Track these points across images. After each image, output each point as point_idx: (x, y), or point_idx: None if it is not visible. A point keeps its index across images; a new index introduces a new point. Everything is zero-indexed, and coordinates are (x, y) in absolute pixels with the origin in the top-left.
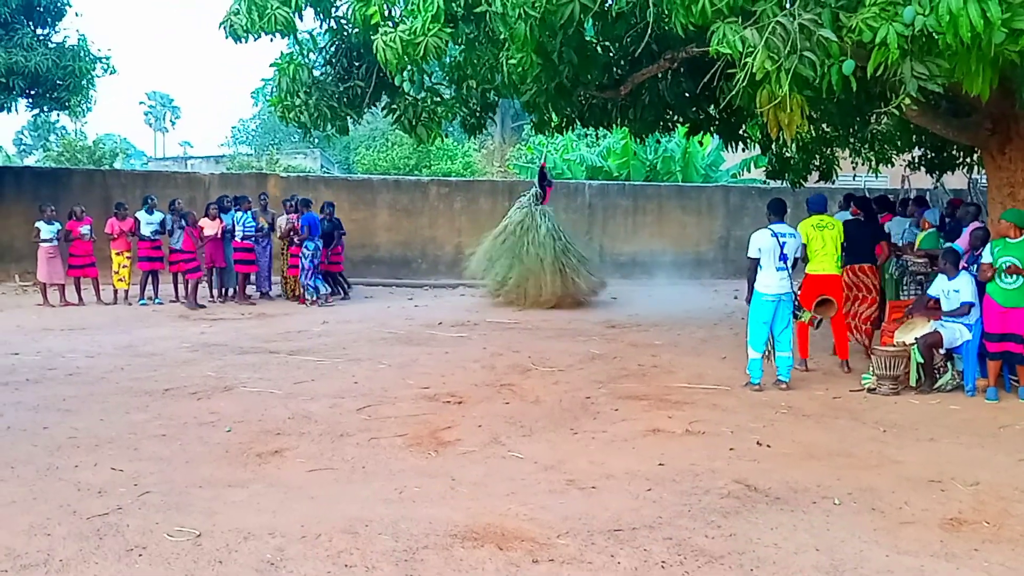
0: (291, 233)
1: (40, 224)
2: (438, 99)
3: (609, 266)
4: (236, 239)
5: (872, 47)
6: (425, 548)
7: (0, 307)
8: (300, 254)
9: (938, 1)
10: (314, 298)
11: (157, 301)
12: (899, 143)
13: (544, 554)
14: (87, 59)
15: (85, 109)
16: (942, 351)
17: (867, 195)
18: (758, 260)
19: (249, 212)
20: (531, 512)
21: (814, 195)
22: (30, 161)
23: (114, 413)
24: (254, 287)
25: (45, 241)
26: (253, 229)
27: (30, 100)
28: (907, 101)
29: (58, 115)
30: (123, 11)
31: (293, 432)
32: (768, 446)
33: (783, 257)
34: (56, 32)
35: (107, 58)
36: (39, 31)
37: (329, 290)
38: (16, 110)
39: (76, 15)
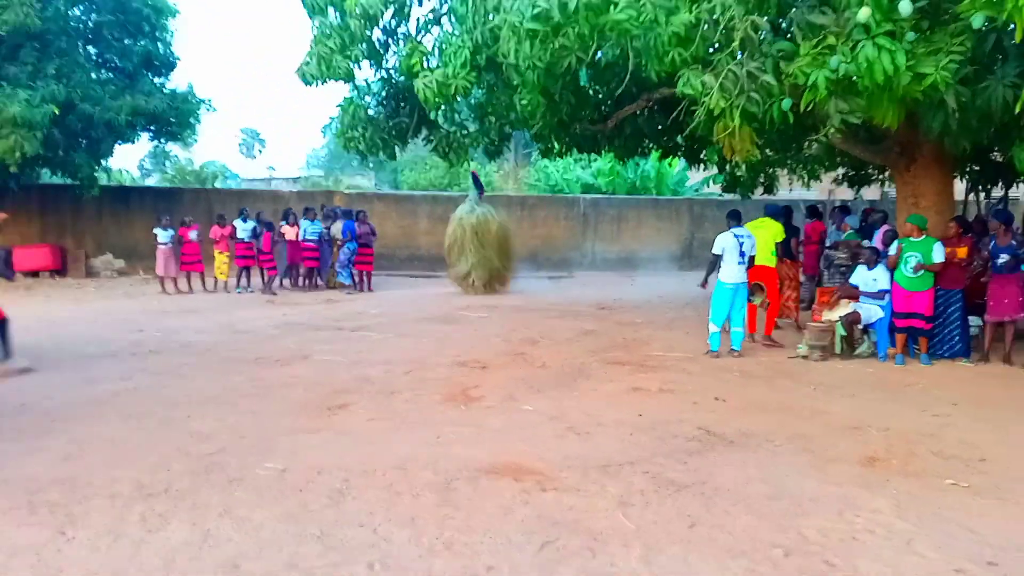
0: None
1: (157, 230)
2: (465, 131)
3: (600, 262)
4: (302, 240)
5: (805, 88)
6: (457, 480)
7: (129, 295)
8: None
9: (858, 52)
10: (346, 284)
11: (249, 290)
12: (826, 163)
13: (550, 484)
14: (194, 101)
15: (192, 141)
16: (860, 326)
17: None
18: (721, 256)
19: (316, 220)
20: (540, 452)
21: (770, 204)
22: (150, 182)
23: (217, 377)
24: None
25: (161, 244)
26: (316, 233)
27: (150, 134)
28: (832, 131)
29: (171, 145)
30: (222, 63)
31: (355, 391)
32: (724, 401)
33: (742, 254)
34: (169, 80)
35: (209, 100)
36: (156, 80)
37: (350, 283)
38: (137, 141)
39: (186, 67)
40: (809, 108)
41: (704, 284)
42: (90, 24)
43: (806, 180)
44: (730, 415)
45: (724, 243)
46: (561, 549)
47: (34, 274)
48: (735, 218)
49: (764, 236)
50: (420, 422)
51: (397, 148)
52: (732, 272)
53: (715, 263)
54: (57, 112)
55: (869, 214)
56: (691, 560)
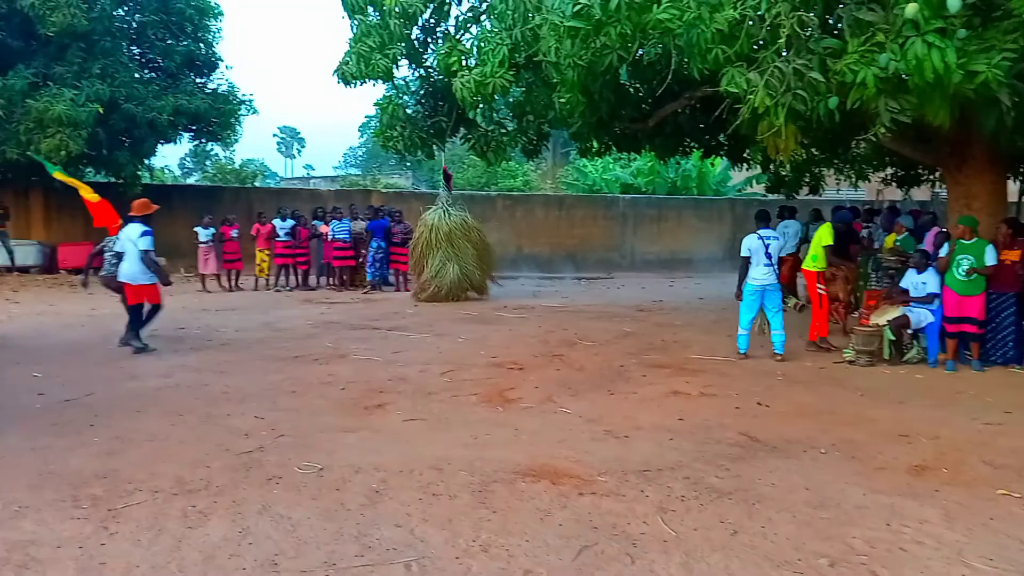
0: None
1: (198, 229)
2: (504, 131)
3: (639, 263)
4: (331, 240)
5: (853, 86)
6: (495, 482)
7: (170, 292)
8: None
9: (907, 49)
10: (371, 281)
11: (288, 289)
12: (875, 163)
13: (588, 488)
14: (235, 102)
15: (233, 140)
16: (910, 331)
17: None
18: (749, 258)
19: (345, 220)
20: (577, 455)
21: (837, 207)
22: (191, 180)
23: (256, 374)
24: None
25: (202, 242)
26: (347, 233)
27: (192, 134)
28: (882, 130)
29: (212, 145)
30: (262, 62)
31: (392, 390)
32: (767, 406)
33: (768, 255)
34: (211, 81)
35: (250, 100)
36: (198, 80)
37: (372, 281)
38: (180, 141)
39: (227, 67)
40: (857, 106)
41: (739, 294)
42: (134, 25)
43: (854, 180)
44: (773, 421)
45: (749, 245)
46: (599, 554)
47: (78, 271)
48: (762, 219)
49: (814, 239)
50: (457, 423)
51: (435, 147)
52: (757, 274)
53: (746, 267)
54: (101, 111)
55: (918, 216)
56: (733, 568)
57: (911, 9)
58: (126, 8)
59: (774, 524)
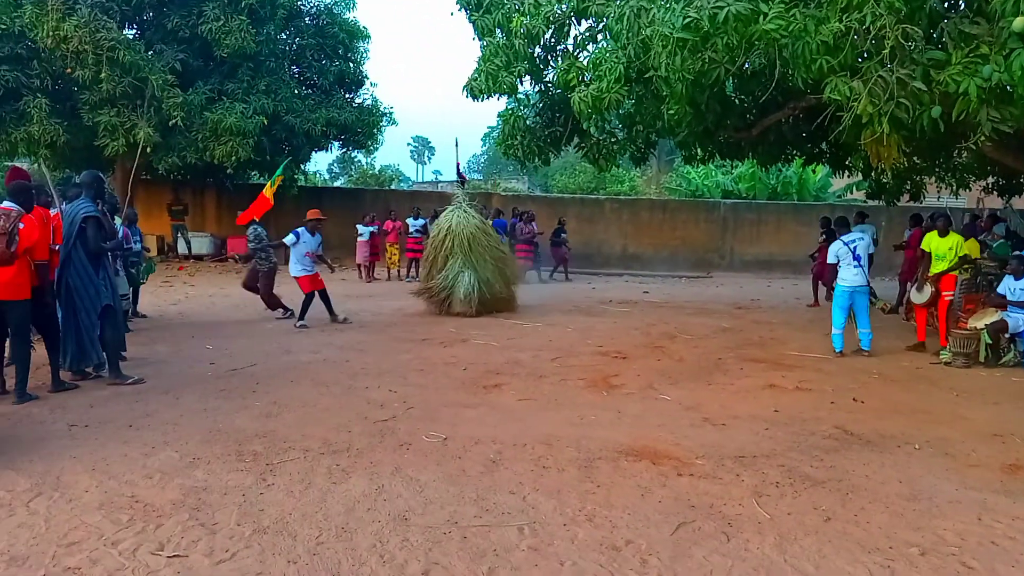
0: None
1: (359, 226)
2: (614, 140)
3: (737, 264)
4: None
5: (956, 97)
6: (599, 459)
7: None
8: None
9: (1012, 61)
10: None
11: (417, 279)
12: (976, 172)
13: (686, 470)
14: (377, 114)
15: (374, 148)
16: (1007, 335)
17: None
18: (838, 263)
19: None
20: (676, 439)
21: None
22: (338, 183)
23: (390, 353)
24: None
25: (361, 236)
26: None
27: (340, 142)
28: (983, 139)
29: (356, 152)
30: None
31: (507, 372)
32: (862, 402)
33: (856, 257)
34: (358, 96)
35: (391, 113)
36: (347, 96)
37: None
38: (331, 150)
39: (371, 84)
40: (960, 116)
41: (828, 295)
42: (294, 47)
43: (955, 188)
44: (868, 416)
45: (836, 251)
46: (696, 531)
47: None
48: (843, 226)
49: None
50: (565, 404)
51: (551, 155)
52: (847, 276)
53: (835, 270)
54: (266, 123)
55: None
56: (825, 551)
57: (1019, 23)
58: (288, 32)
59: (866, 513)
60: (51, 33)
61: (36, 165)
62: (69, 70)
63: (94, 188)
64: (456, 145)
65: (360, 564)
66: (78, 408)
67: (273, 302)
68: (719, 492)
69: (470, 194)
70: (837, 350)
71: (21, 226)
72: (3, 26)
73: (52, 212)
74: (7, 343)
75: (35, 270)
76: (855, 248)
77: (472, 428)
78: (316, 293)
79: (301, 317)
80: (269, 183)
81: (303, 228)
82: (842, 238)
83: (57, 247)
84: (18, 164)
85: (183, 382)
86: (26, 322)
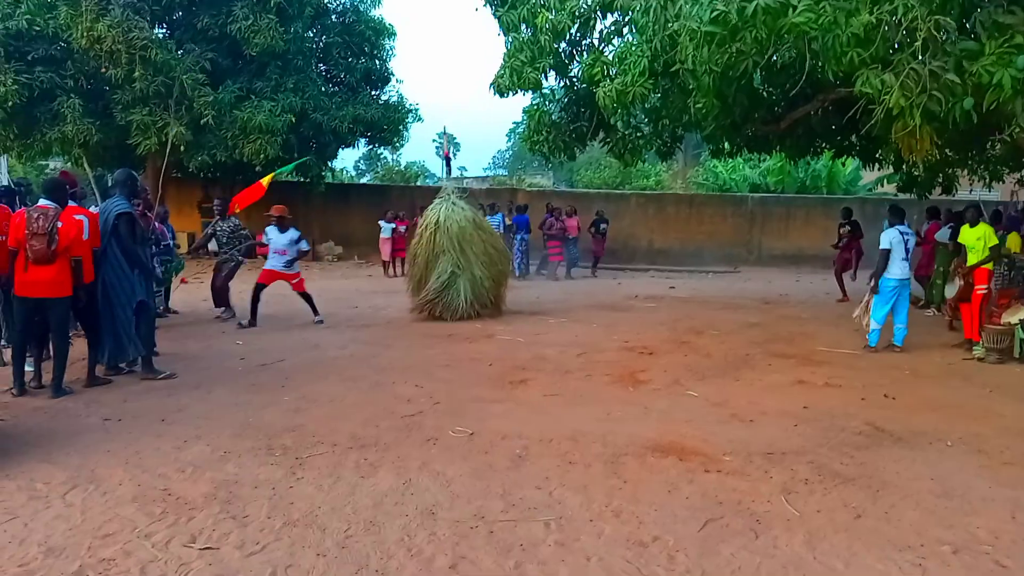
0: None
1: (381, 222)
2: (640, 134)
3: (766, 258)
4: None
5: (989, 88)
6: (625, 455)
7: (346, 276)
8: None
9: None
10: (516, 274)
11: None
12: (1010, 164)
13: (714, 466)
14: (403, 111)
15: (400, 145)
16: None
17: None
18: (889, 251)
19: (499, 214)
20: (703, 435)
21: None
22: (364, 180)
23: (416, 349)
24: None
25: (383, 233)
26: (499, 226)
27: (367, 139)
28: (1018, 131)
29: (383, 149)
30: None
31: (533, 368)
32: (893, 398)
33: (907, 250)
34: (384, 93)
35: (416, 110)
36: (373, 93)
37: (516, 272)
38: (358, 146)
39: (397, 81)
40: (993, 108)
41: (875, 287)
42: (321, 45)
43: (988, 181)
44: (899, 412)
45: (891, 238)
46: (724, 528)
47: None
48: (899, 215)
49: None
50: (591, 399)
51: (576, 150)
52: (897, 269)
53: (885, 260)
54: (294, 120)
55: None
56: (855, 549)
57: None
58: (315, 31)
59: (897, 510)
60: (85, 33)
61: (70, 164)
62: (104, 69)
63: (128, 186)
64: (444, 132)
65: (388, 558)
66: (112, 403)
67: (222, 297)
68: (747, 489)
69: (460, 185)
70: (871, 344)
71: (59, 224)
72: (38, 28)
73: (92, 210)
74: (48, 338)
75: (74, 267)
76: (908, 241)
77: (498, 423)
78: (260, 288)
79: (315, 313)
80: (273, 173)
81: (270, 226)
82: (899, 227)
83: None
84: (51, 163)
85: (214, 377)
86: (66, 319)
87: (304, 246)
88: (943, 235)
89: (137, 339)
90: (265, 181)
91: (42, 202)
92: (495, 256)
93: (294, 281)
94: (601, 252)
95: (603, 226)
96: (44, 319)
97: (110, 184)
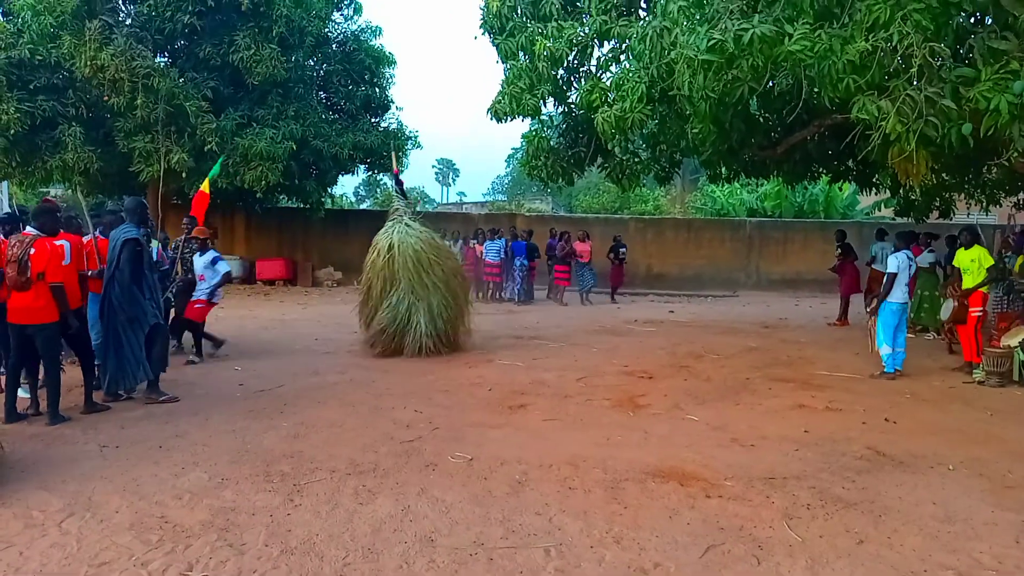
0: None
1: None
2: (638, 159)
3: (764, 283)
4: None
5: (986, 113)
6: (626, 480)
7: (345, 301)
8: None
9: None
10: (511, 297)
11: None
12: (1007, 187)
13: (715, 491)
14: (403, 138)
15: (400, 171)
16: None
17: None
18: (896, 275)
19: (500, 240)
20: (704, 460)
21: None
22: (364, 206)
23: (415, 374)
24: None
25: None
26: (498, 253)
27: (366, 166)
28: (1015, 155)
29: (383, 175)
30: (424, 102)
31: (532, 393)
32: (894, 422)
33: (910, 276)
34: (384, 120)
35: (415, 136)
36: (373, 120)
37: (515, 298)
38: (357, 173)
39: (397, 108)
40: (990, 133)
41: (876, 307)
42: (322, 73)
43: (984, 204)
44: (900, 436)
45: (899, 262)
46: (726, 554)
47: (271, 282)
48: (906, 240)
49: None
50: (591, 424)
51: (575, 175)
52: (900, 293)
53: (891, 283)
54: (295, 148)
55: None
56: (858, 575)
57: None
58: (316, 59)
59: (900, 535)
60: (89, 62)
61: (70, 191)
62: (106, 98)
63: (138, 214)
64: (394, 151)
65: None
66: (109, 429)
67: (177, 331)
68: (749, 514)
69: (412, 206)
70: (889, 371)
71: (32, 251)
72: (40, 57)
73: (85, 239)
74: (39, 366)
75: (56, 293)
76: (912, 266)
77: (497, 449)
78: (192, 323)
79: (211, 345)
80: (208, 178)
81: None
82: (907, 252)
83: (90, 272)
84: (52, 190)
85: (212, 403)
86: (53, 346)
87: (223, 267)
88: (924, 259)
89: (147, 362)
90: (205, 187)
91: (27, 229)
92: (454, 284)
93: (197, 306)
94: (619, 280)
95: (622, 251)
96: (32, 345)
97: (108, 212)
